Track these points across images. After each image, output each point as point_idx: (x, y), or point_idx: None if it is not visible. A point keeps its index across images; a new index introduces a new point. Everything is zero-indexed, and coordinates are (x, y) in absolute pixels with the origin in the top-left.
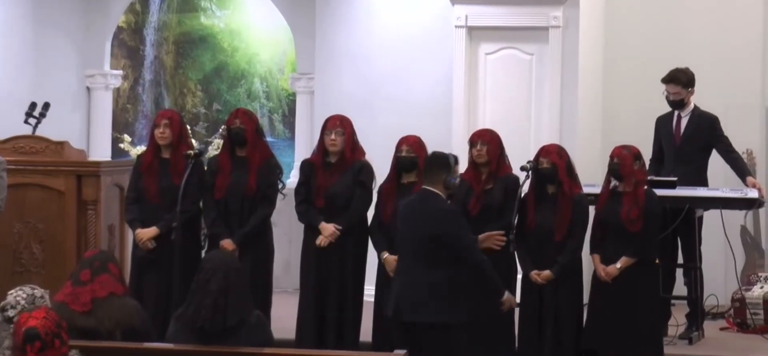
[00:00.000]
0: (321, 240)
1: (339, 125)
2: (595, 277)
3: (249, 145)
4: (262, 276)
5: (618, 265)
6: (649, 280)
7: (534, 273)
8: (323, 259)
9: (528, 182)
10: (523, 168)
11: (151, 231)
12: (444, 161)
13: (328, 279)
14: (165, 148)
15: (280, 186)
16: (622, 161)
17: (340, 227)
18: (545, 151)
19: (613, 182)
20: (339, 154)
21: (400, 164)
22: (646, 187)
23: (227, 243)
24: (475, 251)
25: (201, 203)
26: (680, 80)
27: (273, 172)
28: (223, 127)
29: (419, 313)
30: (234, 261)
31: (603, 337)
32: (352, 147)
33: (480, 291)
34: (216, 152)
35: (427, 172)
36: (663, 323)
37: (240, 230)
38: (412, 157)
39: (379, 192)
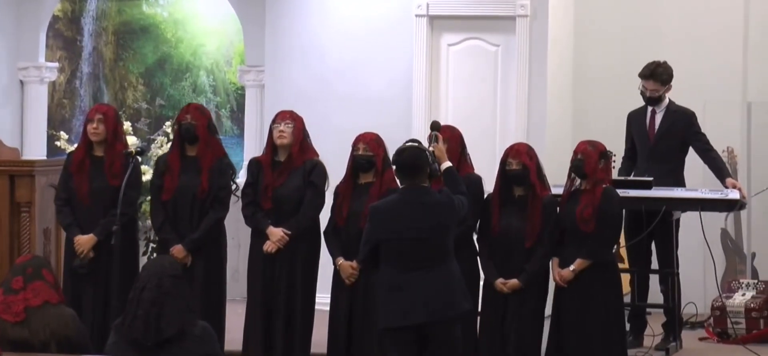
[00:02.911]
0: (269, 246)
1: (289, 117)
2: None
3: (200, 143)
4: (215, 285)
5: (572, 267)
6: (608, 284)
7: (499, 282)
8: (272, 266)
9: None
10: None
11: (90, 239)
12: (421, 155)
13: (277, 286)
14: (98, 145)
15: (233, 188)
16: (587, 157)
17: (289, 232)
18: (514, 151)
19: (576, 181)
20: (288, 150)
21: (356, 164)
22: (605, 186)
23: (177, 251)
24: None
25: (148, 206)
26: (661, 77)
27: (226, 172)
28: (166, 123)
29: (454, 307)
30: (171, 268)
31: (563, 345)
32: (302, 145)
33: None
34: (160, 151)
35: (408, 175)
36: (637, 333)
37: (191, 235)
38: (369, 156)
39: (335, 193)
